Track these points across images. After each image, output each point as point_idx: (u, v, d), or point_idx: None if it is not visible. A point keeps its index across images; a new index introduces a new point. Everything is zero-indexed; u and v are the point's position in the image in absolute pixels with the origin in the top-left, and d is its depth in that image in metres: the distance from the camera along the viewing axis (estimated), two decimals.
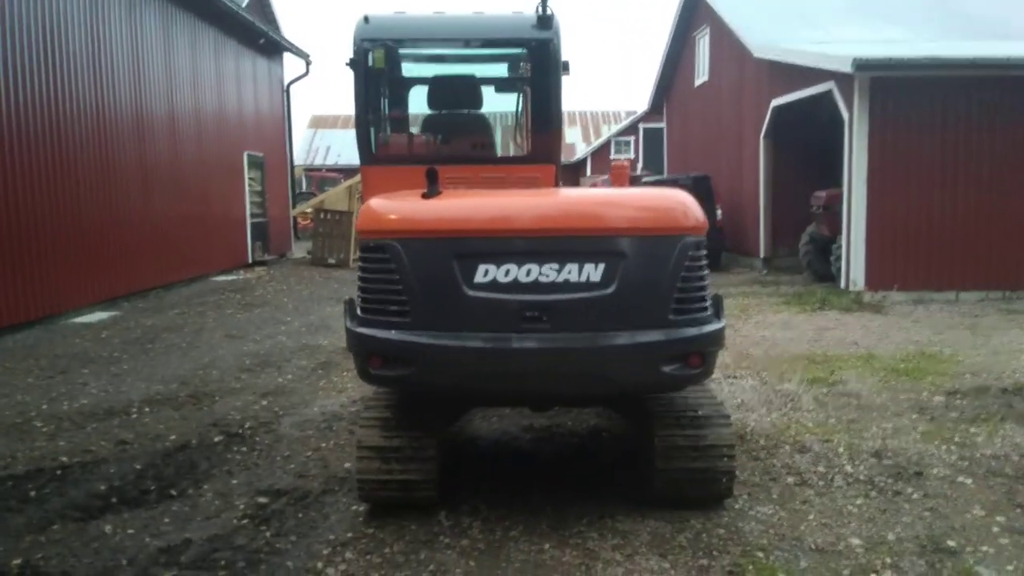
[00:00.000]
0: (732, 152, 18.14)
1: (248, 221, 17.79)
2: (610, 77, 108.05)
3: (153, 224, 13.10)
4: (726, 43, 18.00)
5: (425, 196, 3.99)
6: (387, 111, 5.21)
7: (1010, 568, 3.52)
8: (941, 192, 11.62)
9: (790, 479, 4.63)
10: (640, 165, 35.42)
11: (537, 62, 4.76)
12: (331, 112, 45.79)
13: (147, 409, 6.26)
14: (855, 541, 3.80)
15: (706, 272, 3.89)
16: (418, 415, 4.20)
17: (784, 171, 15.99)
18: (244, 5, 18.12)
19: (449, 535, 3.95)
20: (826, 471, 4.74)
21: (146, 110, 13.03)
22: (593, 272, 3.67)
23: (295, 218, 22.86)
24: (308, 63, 21.32)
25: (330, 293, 13.46)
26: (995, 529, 3.91)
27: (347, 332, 3.94)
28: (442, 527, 4.03)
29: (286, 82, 21.53)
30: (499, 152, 5.40)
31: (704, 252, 3.88)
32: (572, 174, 39.89)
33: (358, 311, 3.91)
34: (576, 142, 44.55)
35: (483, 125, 5.12)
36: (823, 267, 13.78)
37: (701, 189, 17.04)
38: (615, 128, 41.25)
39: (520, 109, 5.51)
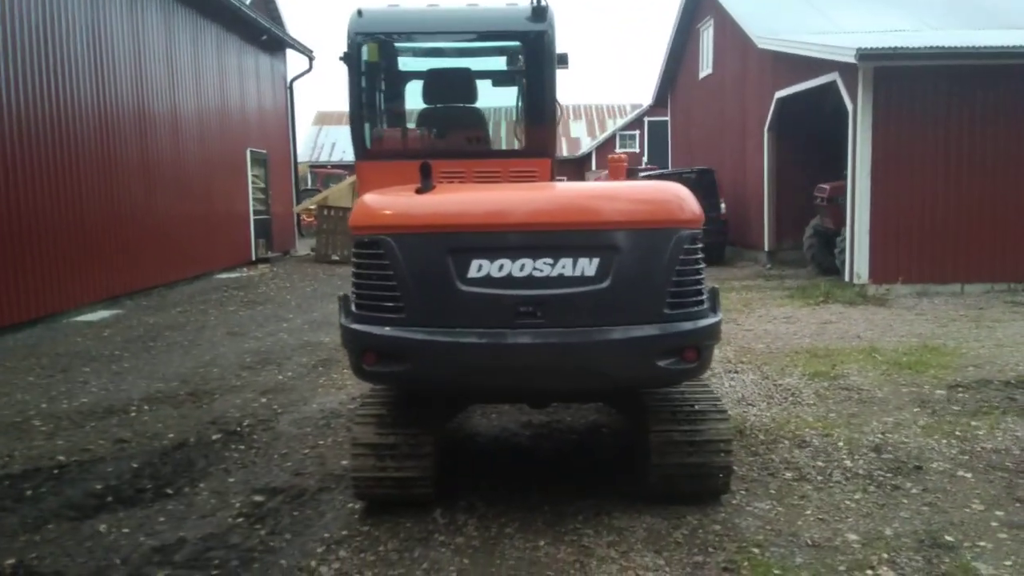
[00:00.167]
0: (736, 145, 18.06)
1: (251, 218, 17.80)
2: (615, 71, 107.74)
3: (155, 222, 13.12)
4: (730, 34, 17.91)
5: (419, 191, 3.97)
6: (382, 105, 5.18)
7: (1008, 563, 3.48)
8: (946, 184, 11.54)
9: (788, 474, 4.60)
10: (645, 159, 35.36)
11: (531, 54, 4.72)
12: (336, 109, 45.79)
13: (146, 407, 6.27)
14: (852, 536, 3.77)
15: (702, 265, 3.86)
16: (414, 412, 4.18)
17: (788, 163, 15.92)
18: (248, 2, 18.12)
19: (444, 532, 3.93)
20: (825, 466, 4.71)
21: (148, 107, 13.04)
22: (588, 266, 3.64)
23: (299, 215, 22.86)
24: (311, 59, 21.30)
25: (333, 290, 13.46)
26: (994, 524, 3.87)
27: (341, 328, 3.93)
28: (437, 524, 4.02)
29: (289, 78, 21.52)
30: (495, 146, 5.36)
31: (700, 245, 3.84)
32: (577, 168, 39.86)
33: (352, 307, 3.89)
34: (581, 136, 44.49)
35: (478, 119, 5.08)
36: (827, 260, 13.72)
37: (704, 182, 17.03)
38: (620, 122, 41.18)
39: (518, 102, 5.49)
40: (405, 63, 5.41)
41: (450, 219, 3.78)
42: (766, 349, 8.05)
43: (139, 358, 8.11)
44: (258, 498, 4.43)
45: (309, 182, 34.97)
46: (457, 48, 5.34)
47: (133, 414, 6.10)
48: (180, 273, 14.01)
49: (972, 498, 4.19)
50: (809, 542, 3.73)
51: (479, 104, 5.05)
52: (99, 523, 4.14)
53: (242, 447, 5.32)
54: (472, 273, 3.64)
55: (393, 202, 3.95)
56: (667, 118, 25.33)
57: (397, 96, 5.33)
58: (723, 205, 17.15)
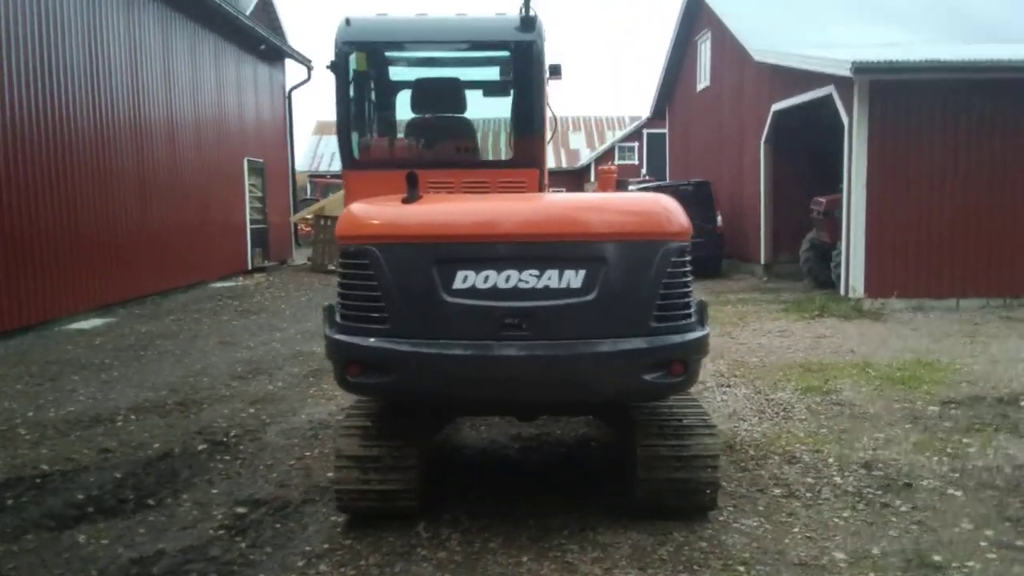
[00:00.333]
0: (733, 158, 18.08)
1: (248, 227, 17.79)
2: (615, 82, 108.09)
3: (151, 230, 13.09)
4: (727, 47, 17.95)
5: (405, 201, 3.94)
6: (370, 115, 5.16)
7: None
8: (941, 198, 11.52)
9: (777, 491, 4.55)
10: (644, 170, 35.39)
11: (520, 64, 4.70)
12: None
13: (133, 417, 6.22)
14: (839, 555, 3.72)
15: (690, 278, 3.83)
16: (399, 424, 4.14)
17: (785, 176, 15.92)
18: (249, 12, 18.18)
19: (427, 547, 3.89)
20: (814, 482, 4.67)
21: (144, 115, 13.04)
22: (574, 278, 3.61)
23: (296, 224, 22.85)
24: (310, 69, 21.35)
25: (328, 299, 13.35)
26: (983, 543, 3.82)
27: (326, 339, 3.90)
28: (420, 538, 3.97)
29: (288, 88, 21.56)
30: (484, 156, 5.34)
31: (688, 258, 3.82)
32: (576, 180, 39.89)
33: (337, 318, 3.86)
34: (580, 148, 44.55)
35: (466, 129, 5.06)
36: (824, 274, 13.69)
37: (701, 195, 17.04)
38: (619, 134, 41.24)
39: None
40: (393, 72, 5.39)
41: (436, 229, 3.75)
42: (759, 363, 8.01)
43: (129, 367, 8.06)
44: (241, 510, 4.39)
45: (308, 192, 35.00)
46: (445, 58, 5.33)
47: (119, 423, 6.05)
48: (175, 282, 13.97)
49: (962, 517, 4.14)
50: (796, 560, 3.68)
51: (468, 114, 5.02)
52: (79, 534, 4.10)
53: (227, 458, 5.27)
54: (457, 284, 3.61)
55: (379, 212, 3.92)
56: (665, 130, 25.36)
57: (385, 105, 5.31)
58: (719, 218, 17.14)
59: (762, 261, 16.36)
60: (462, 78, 5.08)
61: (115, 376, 7.65)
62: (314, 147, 44.42)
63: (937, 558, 3.67)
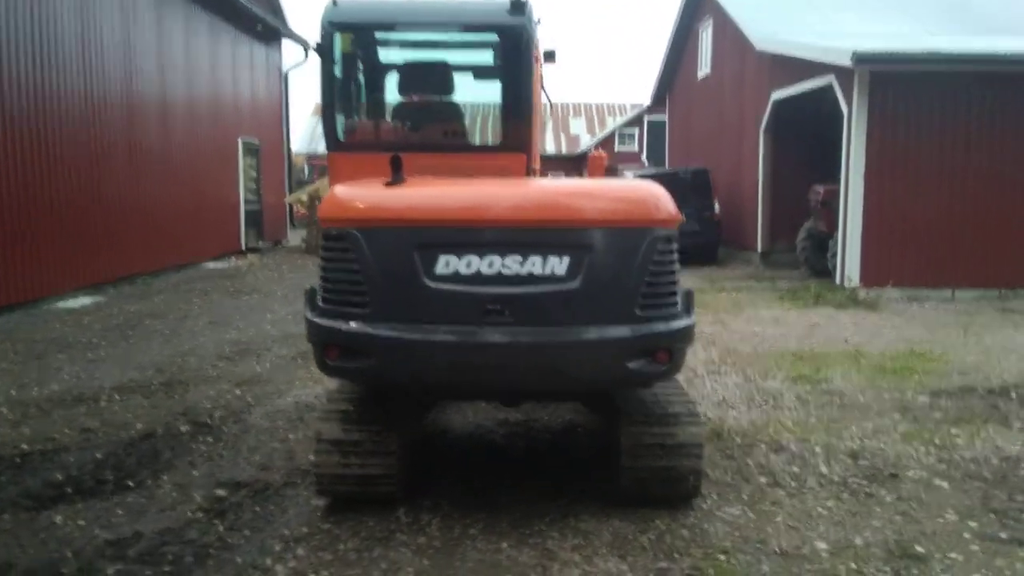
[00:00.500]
0: (732, 146, 17.98)
1: (242, 208, 17.70)
2: (616, 68, 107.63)
3: (142, 209, 13.00)
4: (728, 35, 17.81)
5: (388, 184, 3.88)
6: (355, 97, 5.08)
7: None
8: (939, 189, 11.46)
9: (762, 479, 4.52)
10: (644, 157, 35.27)
11: (508, 48, 4.62)
12: None
13: (117, 397, 6.17)
14: (821, 545, 3.69)
15: (676, 266, 3.78)
16: (381, 409, 4.10)
17: (784, 165, 15.83)
18: None
19: (406, 532, 3.85)
20: (800, 471, 4.63)
21: (136, 92, 12.92)
22: (558, 265, 3.56)
23: (291, 206, 22.75)
24: (307, 50, 21.15)
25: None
26: (966, 535, 3.79)
27: (306, 322, 3.85)
28: (400, 523, 3.93)
29: (284, 69, 21.39)
30: (471, 140, 5.26)
31: (675, 246, 3.76)
32: (576, 165, 39.73)
33: (319, 301, 3.81)
34: (580, 134, 44.35)
35: (453, 112, 4.98)
36: (820, 263, 13.65)
37: (699, 183, 16.96)
38: (620, 120, 41.03)
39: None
40: (380, 54, 5.30)
41: (417, 213, 3.70)
42: (752, 351, 7.97)
43: (116, 346, 8.01)
44: (221, 492, 4.34)
45: (306, 173, 34.83)
46: (433, 40, 5.23)
47: (103, 403, 6.00)
48: (167, 261, 13.89)
49: (946, 508, 4.11)
50: (777, 550, 3.65)
51: (455, 98, 4.94)
52: (56, 514, 4.05)
53: (210, 439, 5.23)
54: (440, 269, 3.56)
55: (361, 195, 3.86)
56: (666, 118, 25.22)
57: (371, 88, 5.22)
58: (717, 205, 17.08)
59: (759, 249, 16.30)
60: (450, 61, 4.99)
61: (101, 355, 7.60)
62: (312, 129, 44.13)
63: (920, 549, 3.64)
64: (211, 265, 15.48)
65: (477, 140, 5.59)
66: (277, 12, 21.06)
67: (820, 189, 13.60)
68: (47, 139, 10.37)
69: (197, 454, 4.96)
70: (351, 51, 4.70)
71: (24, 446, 5.04)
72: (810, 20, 15.93)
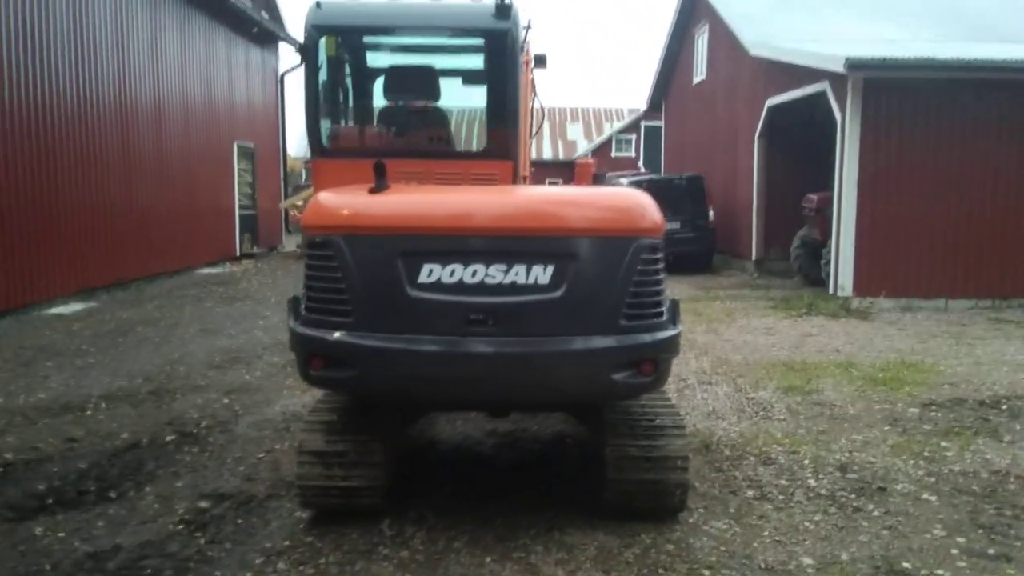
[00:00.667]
0: (727, 152, 17.96)
1: (236, 212, 17.64)
2: (613, 74, 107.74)
3: (135, 214, 12.95)
4: (724, 40, 17.80)
5: (372, 191, 3.84)
6: (340, 102, 5.04)
7: None
8: (933, 198, 11.43)
9: (750, 492, 4.49)
10: (641, 163, 35.26)
11: (494, 53, 4.57)
12: None
13: (104, 405, 6.13)
14: (807, 560, 3.66)
15: (662, 276, 3.74)
16: (365, 420, 4.06)
17: (778, 172, 15.81)
18: None
19: (390, 545, 3.81)
20: (788, 484, 4.60)
21: (130, 96, 12.87)
22: (541, 274, 3.52)
23: (287, 211, 22.70)
24: None
25: None
26: (954, 551, 3.76)
27: (289, 332, 3.81)
28: (383, 536, 3.90)
29: (281, 72, 21.36)
30: (457, 147, 5.21)
31: (660, 255, 3.72)
32: (573, 171, 39.71)
33: (302, 310, 3.78)
34: (578, 139, 44.39)
35: (439, 118, 4.94)
36: (814, 271, 13.62)
37: (694, 189, 16.94)
38: (617, 125, 41.08)
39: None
40: (364, 58, 5.26)
41: (400, 221, 3.66)
42: (743, 361, 7.94)
43: (106, 354, 7.96)
44: (204, 504, 4.31)
45: (303, 178, 34.75)
46: (418, 44, 5.20)
47: (89, 412, 5.96)
48: (160, 267, 13.84)
49: (934, 523, 4.08)
50: (762, 565, 3.62)
51: (441, 103, 4.90)
52: (36, 526, 4.02)
53: (195, 449, 5.19)
54: (423, 278, 3.52)
55: (344, 202, 3.81)
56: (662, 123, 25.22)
57: (357, 92, 5.18)
58: (711, 212, 17.06)
59: (753, 257, 16.27)
60: (436, 66, 4.95)
61: (90, 363, 7.56)
62: None
63: (906, 565, 3.61)
64: (205, 271, 15.43)
65: (463, 146, 5.55)
66: (274, 14, 21.05)
67: (814, 197, 13.59)
68: (39, 143, 10.32)
69: (181, 465, 4.92)
70: (335, 54, 4.66)
71: (8, 455, 4.99)
72: (806, 24, 15.92)
